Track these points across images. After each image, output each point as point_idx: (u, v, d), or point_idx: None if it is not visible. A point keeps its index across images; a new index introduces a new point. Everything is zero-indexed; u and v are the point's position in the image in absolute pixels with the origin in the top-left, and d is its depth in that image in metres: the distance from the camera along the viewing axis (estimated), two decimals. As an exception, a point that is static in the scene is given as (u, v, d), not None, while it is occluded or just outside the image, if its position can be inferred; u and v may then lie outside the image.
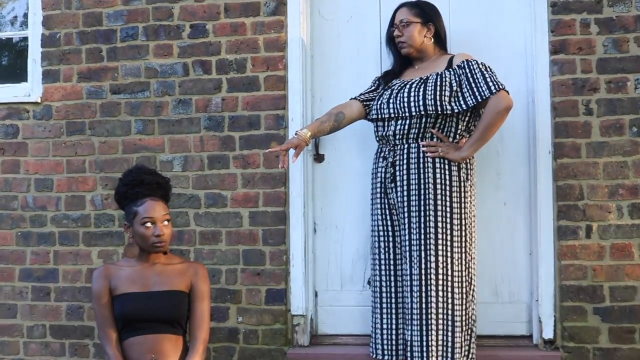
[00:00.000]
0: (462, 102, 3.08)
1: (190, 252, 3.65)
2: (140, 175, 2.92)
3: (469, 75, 3.08)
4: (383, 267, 3.24)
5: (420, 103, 3.10)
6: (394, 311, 3.22)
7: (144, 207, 2.86)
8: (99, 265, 3.69)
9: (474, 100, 3.04)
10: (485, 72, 3.06)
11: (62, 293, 3.77)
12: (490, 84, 3.02)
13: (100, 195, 3.75)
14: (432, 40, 3.28)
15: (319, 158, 3.67)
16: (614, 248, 3.33)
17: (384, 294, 3.24)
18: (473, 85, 3.06)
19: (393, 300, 3.22)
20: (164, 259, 2.97)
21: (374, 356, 3.27)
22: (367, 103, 3.36)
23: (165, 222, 2.90)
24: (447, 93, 3.09)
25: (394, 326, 3.22)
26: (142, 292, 2.89)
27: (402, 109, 3.15)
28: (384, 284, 3.23)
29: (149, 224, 2.84)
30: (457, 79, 3.11)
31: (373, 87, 3.41)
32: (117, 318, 2.89)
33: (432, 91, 3.10)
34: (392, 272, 3.23)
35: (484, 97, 3.01)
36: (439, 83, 3.11)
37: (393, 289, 3.22)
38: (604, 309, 3.32)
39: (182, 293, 2.93)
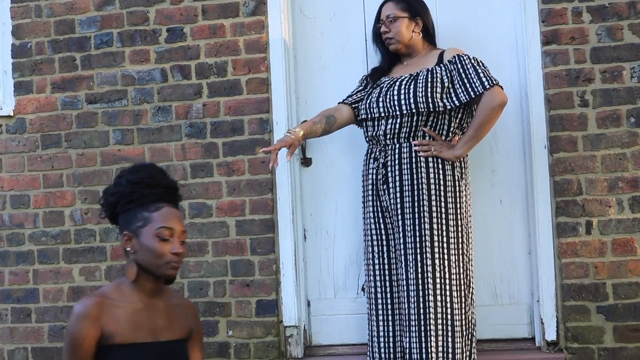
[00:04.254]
0: (454, 99, 3.03)
1: None
2: (155, 174, 2.32)
3: (461, 70, 3.03)
4: (378, 272, 3.18)
5: (411, 101, 3.04)
6: (390, 318, 3.16)
7: (160, 214, 2.22)
8: (81, 283, 3.65)
9: (466, 97, 2.99)
10: (477, 67, 3.01)
11: (43, 314, 3.69)
12: (484, 79, 2.97)
13: (80, 210, 3.68)
14: (421, 35, 3.23)
15: (306, 162, 3.61)
16: (616, 243, 3.28)
17: (379, 301, 3.17)
18: (465, 80, 3.01)
19: (389, 307, 3.16)
20: (163, 291, 2.35)
21: (371, 365, 3.21)
22: (356, 105, 3.31)
23: (183, 241, 2.30)
24: (439, 89, 3.04)
25: (391, 334, 3.16)
26: (152, 343, 2.21)
27: (392, 108, 3.09)
28: (379, 290, 3.17)
29: (165, 237, 2.20)
30: (448, 74, 3.06)
31: (361, 87, 3.35)
32: None
33: (423, 88, 3.05)
34: (387, 278, 3.16)
35: (478, 93, 2.96)
36: (429, 79, 3.06)
37: (389, 295, 3.16)
38: (608, 307, 3.27)
39: (185, 342, 2.40)
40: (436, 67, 3.10)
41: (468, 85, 2.99)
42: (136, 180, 2.27)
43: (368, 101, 3.20)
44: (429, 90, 3.04)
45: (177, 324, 2.30)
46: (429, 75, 3.07)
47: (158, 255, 2.19)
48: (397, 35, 3.18)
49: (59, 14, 3.73)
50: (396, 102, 3.08)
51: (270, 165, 3.06)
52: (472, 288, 3.13)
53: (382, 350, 3.16)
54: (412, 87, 3.07)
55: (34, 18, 3.75)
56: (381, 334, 3.17)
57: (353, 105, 3.30)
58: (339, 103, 3.35)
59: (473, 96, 2.98)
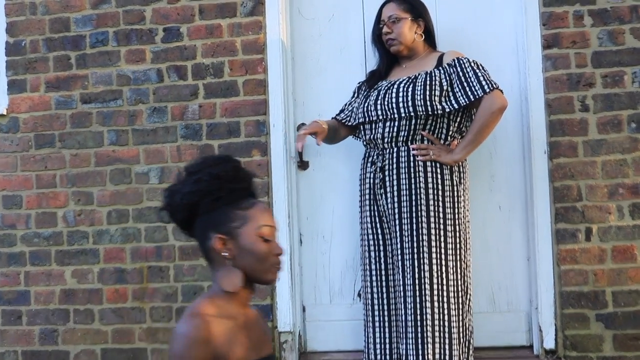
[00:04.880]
0: (453, 102, 3.01)
1: (170, 268, 3.56)
2: (238, 166, 1.99)
3: (460, 73, 3.01)
4: (374, 278, 3.16)
5: (409, 104, 3.02)
6: (387, 324, 3.14)
7: (258, 210, 1.92)
8: (73, 286, 3.64)
9: (465, 100, 2.97)
10: (477, 71, 2.99)
11: (34, 316, 3.67)
12: (484, 82, 2.96)
13: (73, 211, 3.65)
14: (422, 37, 3.22)
15: (303, 165, 3.59)
16: (616, 251, 3.27)
17: (376, 307, 3.16)
18: (465, 84, 2.99)
19: (386, 313, 3.14)
20: None
21: (367, 371, 3.18)
22: (347, 119, 3.34)
23: None
24: (437, 92, 3.02)
25: (387, 340, 3.13)
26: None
27: (390, 110, 3.07)
28: (375, 295, 3.15)
29: (268, 237, 1.91)
30: (447, 77, 3.04)
31: (352, 98, 3.38)
32: None
33: (422, 91, 3.03)
34: (383, 283, 3.15)
35: (477, 97, 2.95)
36: (428, 82, 3.04)
37: (385, 301, 3.15)
38: (607, 315, 3.25)
39: None
40: (435, 70, 3.08)
41: (467, 88, 2.97)
42: (220, 175, 1.92)
43: (366, 104, 3.17)
44: (428, 93, 3.02)
45: (266, 335, 2.06)
46: (428, 78, 3.05)
47: (263, 258, 1.90)
48: (399, 37, 3.16)
49: (54, 12, 3.71)
50: (394, 105, 3.05)
51: (298, 146, 3.16)
52: (470, 295, 3.11)
53: (379, 357, 3.14)
54: (410, 90, 3.05)
55: (29, 16, 3.73)
56: (377, 340, 3.15)
57: (344, 121, 3.33)
58: (332, 118, 3.37)
59: (472, 99, 2.96)
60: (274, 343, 3.44)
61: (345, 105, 3.37)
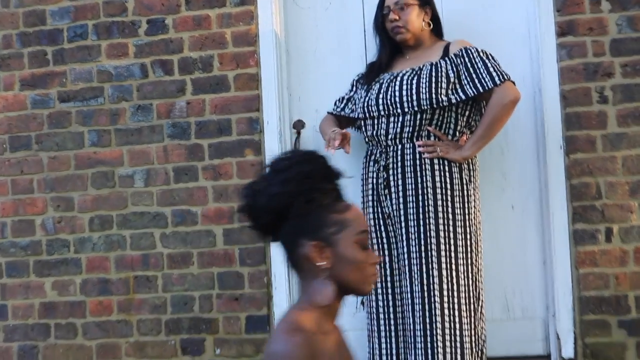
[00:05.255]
0: (460, 93, 3.02)
1: (158, 277, 3.56)
2: (327, 163, 1.83)
3: (469, 64, 3.02)
4: (379, 285, 3.13)
5: (414, 97, 3.00)
6: (393, 334, 3.12)
7: (355, 214, 1.78)
8: (54, 298, 3.62)
9: (474, 91, 2.98)
10: (487, 61, 2.99)
11: (12, 332, 3.66)
12: (494, 73, 2.96)
13: (52, 218, 3.65)
14: (430, 25, 3.20)
15: None
16: (638, 252, 3.23)
17: (381, 315, 3.13)
18: (473, 75, 3.00)
19: (392, 322, 3.12)
20: None
21: (371, 384, 3.18)
22: (343, 112, 3.35)
23: None
24: (444, 85, 3.01)
25: (394, 351, 3.11)
26: None
27: (393, 105, 3.04)
28: (380, 304, 3.13)
29: (366, 244, 1.80)
30: (454, 68, 3.03)
31: (350, 92, 3.37)
32: None
33: (427, 83, 3.01)
34: (389, 291, 3.12)
35: (487, 89, 2.95)
36: (434, 74, 3.02)
37: (392, 309, 3.13)
38: (630, 321, 3.22)
39: None
40: (441, 60, 3.07)
41: (476, 79, 2.99)
42: (312, 173, 1.76)
43: (367, 99, 3.15)
44: (434, 85, 3.01)
45: (351, 351, 1.92)
46: (433, 70, 3.04)
47: (362, 268, 1.76)
48: (407, 24, 3.13)
49: (28, 4, 3.70)
50: (397, 100, 3.04)
51: (334, 146, 3.05)
52: (482, 301, 3.11)
53: None
54: (414, 82, 3.04)
55: (1, 9, 3.73)
56: (384, 352, 3.12)
57: (342, 114, 3.34)
58: (328, 113, 3.38)
59: (482, 91, 2.96)
60: None
61: (343, 99, 3.36)
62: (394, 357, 3.10)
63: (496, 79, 2.93)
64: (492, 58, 3.01)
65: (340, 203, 1.75)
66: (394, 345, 3.11)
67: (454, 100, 2.99)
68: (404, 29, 3.12)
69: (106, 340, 3.56)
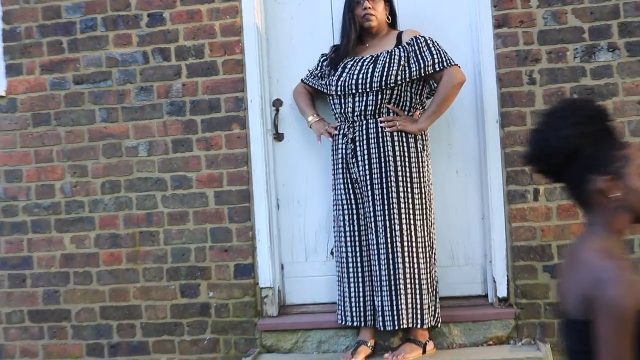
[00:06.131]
0: (407, 73, 3.21)
1: (160, 232, 3.70)
2: (602, 107, 1.80)
3: (417, 50, 3.20)
4: (349, 238, 3.34)
5: (368, 80, 3.21)
6: (360, 280, 3.33)
7: (634, 149, 1.75)
8: (72, 250, 3.77)
9: (421, 72, 3.19)
10: (432, 47, 3.20)
11: (37, 279, 3.80)
12: (444, 58, 3.16)
13: (70, 183, 3.77)
14: (390, 19, 3.39)
15: (278, 137, 3.74)
16: (560, 209, 3.43)
17: (350, 264, 3.33)
18: (420, 58, 3.19)
19: (359, 269, 3.33)
20: None
21: (342, 323, 3.38)
22: (315, 82, 3.55)
23: None
24: (395, 68, 3.21)
25: (361, 294, 3.32)
26: None
27: (357, 86, 3.24)
28: (349, 254, 3.33)
29: None
30: (406, 55, 3.23)
31: (317, 69, 3.56)
32: None
33: (381, 68, 3.21)
34: (357, 243, 3.33)
35: (435, 70, 3.16)
36: (387, 60, 3.23)
37: (359, 259, 3.32)
38: (553, 266, 3.42)
39: None
40: (395, 48, 3.26)
41: (422, 62, 3.18)
42: (596, 115, 1.75)
43: (336, 79, 3.33)
44: (386, 69, 3.21)
45: None
46: (388, 56, 3.24)
47: None
48: (378, 14, 3.31)
49: (45, 0, 3.79)
50: (361, 81, 3.24)
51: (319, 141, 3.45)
52: (435, 249, 3.34)
53: (354, 309, 3.33)
54: (371, 67, 3.24)
55: (22, 4, 3.82)
56: (352, 294, 3.33)
57: (312, 83, 3.54)
58: (302, 80, 3.57)
59: (431, 71, 3.17)
60: (256, 298, 3.62)
61: (311, 73, 3.55)
62: (361, 299, 3.31)
63: (445, 62, 3.14)
64: (438, 44, 3.21)
65: (619, 140, 1.74)
66: (360, 289, 3.31)
67: (399, 80, 3.17)
68: (374, 17, 3.28)
69: (117, 286, 3.71)
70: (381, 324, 3.24)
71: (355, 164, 3.29)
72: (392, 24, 3.44)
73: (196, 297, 3.68)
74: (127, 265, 3.74)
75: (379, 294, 3.21)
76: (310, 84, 3.54)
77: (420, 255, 3.21)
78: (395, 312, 3.18)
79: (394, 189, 3.19)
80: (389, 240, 3.18)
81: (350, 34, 3.35)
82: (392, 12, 3.42)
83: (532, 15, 3.47)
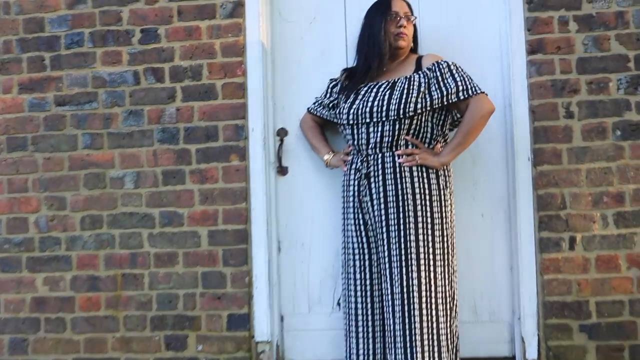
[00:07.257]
0: (427, 102, 3.04)
1: (145, 275, 3.54)
2: None
3: (439, 76, 3.05)
4: (359, 287, 3.18)
5: (384, 108, 3.06)
6: (371, 335, 3.17)
7: None
8: (44, 294, 3.61)
9: (443, 100, 3.02)
10: (456, 74, 3.04)
11: (3, 325, 3.64)
12: (469, 85, 3.02)
13: (46, 217, 3.62)
14: (412, 42, 3.27)
15: (282, 171, 3.58)
16: (600, 260, 3.27)
17: (359, 317, 3.18)
18: (443, 86, 3.03)
19: (370, 324, 3.18)
20: None
21: (348, 382, 3.21)
22: (322, 112, 3.42)
23: None
24: (414, 95, 3.04)
25: (371, 351, 3.17)
26: None
27: (374, 114, 3.08)
28: (359, 305, 3.18)
29: None
30: (426, 81, 3.06)
31: (325, 97, 3.42)
32: None
33: (399, 95, 3.05)
34: (368, 293, 3.17)
35: (460, 99, 3.00)
36: (406, 86, 3.06)
37: (369, 311, 3.17)
38: (591, 325, 3.26)
39: None
40: (414, 74, 3.10)
41: (450, 89, 3.01)
42: None
43: (348, 107, 3.17)
44: (404, 97, 3.03)
45: None
46: (406, 83, 3.07)
47: None
48: (409, 34, 3.18)
49: (28, 12, 3.69)
50: (376, 109, 3.07)
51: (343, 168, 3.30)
52: (456, 300, 3.15)
53: None
54: (388, 93, 3.08)
55: (2, 15, 3.70)
56: (361, 351, 3.17)
57: (321, 114, 3.41)
58: (308, 110, 3.46)
59: (455, 100, 3.00)
60: (251, 353, 3.44)
61: (322, 101, 3.40)
62: (371, 357, 3.15)
63: (470, 90, 2.99)
64: (462, 70, 3.04)
65: None
66: (370, 345, 3.16)
67: (420, 109, 3.00)
68: (407, 37, 3.14)
69: (94, 335, 3.55)
70: None
71: (369, 202, 3.11)
72: (413, 47, 3.30)
73: (183, 351, 3.51)
74: (106, 312, 3.57)
75: (392, 350, 3.03)
76: (319, 114, 3.42)
77: (440, 307, 3.03)
78: (412, 370, 3.01)
79: (412, 231, 3.00)
80: (404, 289, 2.98)
81: (383, 52, 3.14)
82: (414, 35, 3.28)
83: (570, 40, 3.33)
